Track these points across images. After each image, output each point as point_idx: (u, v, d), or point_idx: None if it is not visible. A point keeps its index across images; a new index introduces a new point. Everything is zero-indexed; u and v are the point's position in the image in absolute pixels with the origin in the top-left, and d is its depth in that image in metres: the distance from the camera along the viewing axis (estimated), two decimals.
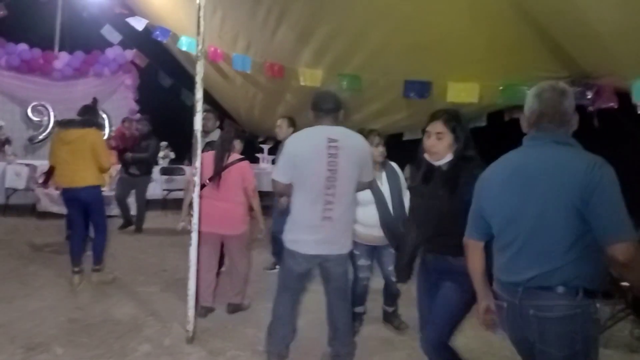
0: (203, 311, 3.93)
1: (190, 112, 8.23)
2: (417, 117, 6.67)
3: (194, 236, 3.31)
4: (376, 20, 5.33)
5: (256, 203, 4.09)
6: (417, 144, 2.70)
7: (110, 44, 9.20)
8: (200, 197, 3.69)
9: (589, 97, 4.77)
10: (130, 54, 9.77)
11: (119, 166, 7.02)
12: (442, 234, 2.47)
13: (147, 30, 7.95)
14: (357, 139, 2.95)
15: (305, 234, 2.86)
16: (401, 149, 5.04)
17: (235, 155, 4.04)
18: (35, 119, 9.08)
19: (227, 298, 4.16)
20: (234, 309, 4.09)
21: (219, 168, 3.95)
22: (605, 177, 1.78)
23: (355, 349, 3.20)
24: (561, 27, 4.23)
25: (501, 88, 5.22)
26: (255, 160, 9.61)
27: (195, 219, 3.37)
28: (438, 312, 2.48)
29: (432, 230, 2.52)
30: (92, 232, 4.83)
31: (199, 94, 3.19)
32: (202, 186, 3.85)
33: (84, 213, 4.66)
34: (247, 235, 4.15)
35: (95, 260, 4.71)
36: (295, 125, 5.15)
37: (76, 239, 4.68)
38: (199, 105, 3.20)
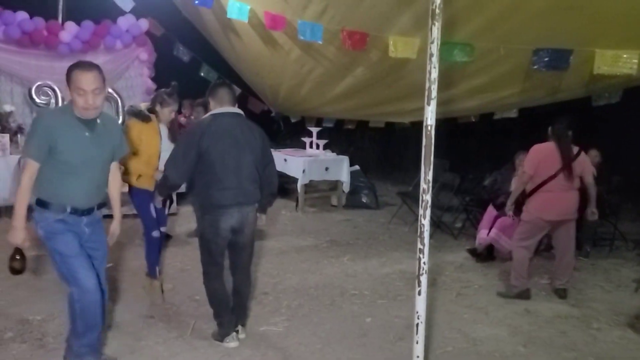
0: (526, 294, 4.29)
1: None
2: (531, 94, 5.74)
3: (423, 280, 2.31)
4: None
5: (593, 190, 4.30)
6: None
7: (122, 12, 7.79)
8: (544, 191, 4.17)
9: None
10: (144, 23, 8.39)
11: None
12: None
13: None
14: None
15: None
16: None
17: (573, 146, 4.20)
18: (40, 101, 7.59)
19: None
20: (562, 294, 4.35)
21: (569, 160, 4.12)
22: None
23: None
24: None
25: None
26: (299, 145, 8.54)
27: None
28: None
29: None
30: None
31: (434, 73, 2.16)
32: (548, 180, 4.15)
33: None
34: None
35: None
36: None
37: None
38: (434, 91, 2.16)
